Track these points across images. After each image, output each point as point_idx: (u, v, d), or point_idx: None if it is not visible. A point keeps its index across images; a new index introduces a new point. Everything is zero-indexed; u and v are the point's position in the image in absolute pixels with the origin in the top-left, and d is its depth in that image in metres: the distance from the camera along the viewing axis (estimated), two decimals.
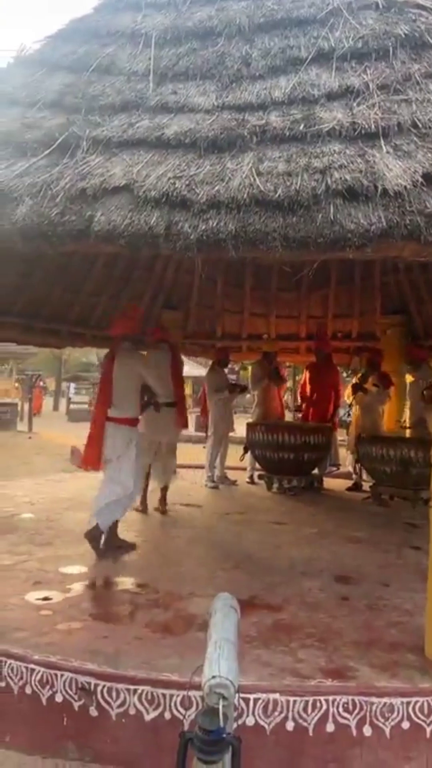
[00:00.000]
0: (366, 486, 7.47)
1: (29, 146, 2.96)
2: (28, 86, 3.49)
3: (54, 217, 2.56)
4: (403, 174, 2.36)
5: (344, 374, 12.67)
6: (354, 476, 7.96)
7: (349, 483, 7.95)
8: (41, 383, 26.44)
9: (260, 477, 7.87)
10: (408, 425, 7.52)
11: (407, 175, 2.36)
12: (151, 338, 5.96)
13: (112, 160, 2.78)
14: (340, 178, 2.39)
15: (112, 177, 2.64)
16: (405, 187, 2.31)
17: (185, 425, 6.07)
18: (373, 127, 2.62)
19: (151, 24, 3.70)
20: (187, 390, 26.92)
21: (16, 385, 25.00)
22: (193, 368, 20.69)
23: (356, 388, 7.39)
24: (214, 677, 1.62)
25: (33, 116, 3.20)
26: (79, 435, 16.38)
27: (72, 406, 25.81)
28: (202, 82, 3.25)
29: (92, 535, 4.39)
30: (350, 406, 8.42)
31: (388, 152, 2.51)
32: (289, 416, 11.49)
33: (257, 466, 7.89)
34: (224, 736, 1.57)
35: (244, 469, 8.09)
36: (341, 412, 13.05)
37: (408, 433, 7.41)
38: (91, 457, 4.58)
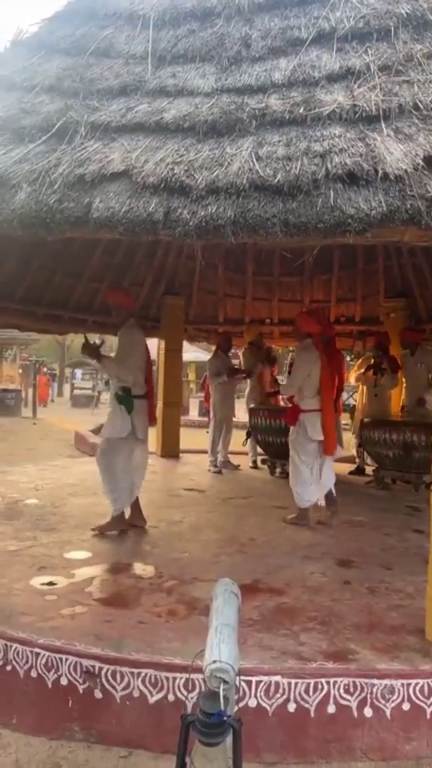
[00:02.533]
0: (369, 470, 7.50)
1: (27, 132, 2.93)
2: (26, 70, 3.45)
3: (52, 204, 2.55)
4: (404, 157, 2.34)
5: (348, 358, 12.64)
6: (357, 460, 7.99)
7: (352, 467, 7.98)
8: (44, 369, 26.23)
9: (263, 462, 7.91)
10: (404, 406, 7.53)
11: (408, 158, 2.33)
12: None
13: (111, 145, 2.76)
14: (341, 162, 2.36)
15: (111, 163, 2.63)
16: (406, 170, 2.29)
17: None
18: (374, 109, 2.59)
19: (149, 5, 3.64)
20: (191, 375, 27.02)
21: (20, 371, 25.00)
22: (197, 353, 20.73)
23: (371, 368, 7.28)
24: (214, 662, 1.63)
25: (31, 101, 3.17)
26: (82, 420, 16.46)
27: (76, 392, 25.89)
28: (201, 65, 3.21)
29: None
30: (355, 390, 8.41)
31: (388, 135, 2.48)
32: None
33: (260, 450, 7.92)
34: (225, 719, 1.59)
35: (247, 453, 8.12)
36: (344, 396, 13.06)
37: (403, 414, 7.44)
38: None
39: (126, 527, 4.66)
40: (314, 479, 5.04)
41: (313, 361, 5.02)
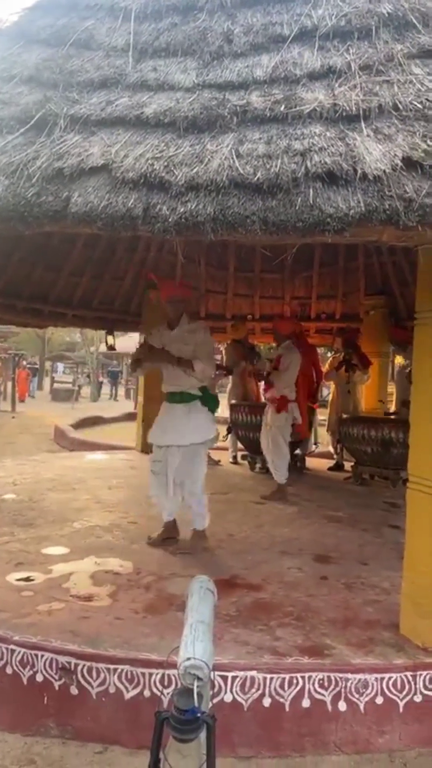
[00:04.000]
0: (348, 466, 7.57)
1: (5, 123, 2.87)
2: (4, 60, 3.39)
3: (30, 197, 2.51)
4: (383, 158, 2.34)
5: (328, 354, 12.73)
6: (335, 456, 8.06)
7: (331, 463, 8.05)
8: (24, 363, 25.77)
9: (243, 457, 7.94)
10: (393, 406, 7.62)
11: (387, 158, 2.34)
12: None
13: (90, 139, 2.72)
14: (320, 161, 2.36)
15: (90, 157, 2.59)
16: (384, 171, 2.29)
17: None
18: (354, 109, 2.58)
19: None
20: None
21: None
22: None
23: (342, 365, 7.44)
24: (188, 659, 1.65)
25: (9, 92, 3.11)
26: (62, 414, 16.31)
27: (56, 386, 25.70)
28: (183, 59, 3.18)
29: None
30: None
31: (368, 135, 2.48)
32: None
33: (240, 446, 7.95)
34: (199, 715, 1.60)
35: (227, 449, 8.14)
36: (325, 392, 13.17)
37: (393, 413, 7.52)
38: None
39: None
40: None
41: (298, 359, 5.95)
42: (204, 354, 4.17)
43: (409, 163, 2.34)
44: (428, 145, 2.38)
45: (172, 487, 4.21)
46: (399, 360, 8.09)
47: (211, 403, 4.32)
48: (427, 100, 2.59)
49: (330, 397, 9.02)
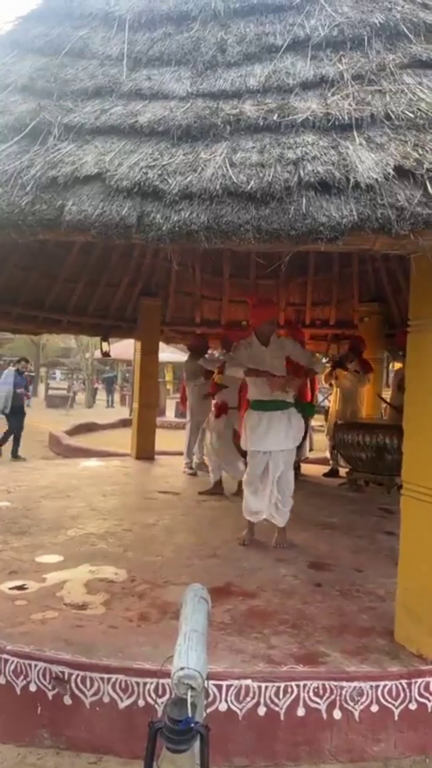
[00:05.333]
0: (342, 472, 7.57)
1: None
2: None
3: (24, 205, 2.51)
4: (375, 166, 2.36)
5: (323, 360, 12.76)
6: (331, 462, 8.07)
7: (326, 469, 8.06)
8: (24, 371, 25.12)
9: None
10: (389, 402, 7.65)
11: (379, 167, 2.36)
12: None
13: (84, 147, 2.73)
14: (313, 170, 2.38)
15: (84, 165, 2.60)
16: (377, 179, 2.31)
17: None
18: (346, 118, 2.60)
19: (125, 6, 3.61)
20: (168, 376, 26.91)
21: None
22: (174, 354, 20.68)
23: (335, 367, 7.51)
24: (182, 668, 1.64)
25: (3, 100, 3.12)
26: (57, 421, 16.25)
27: (50, 392, 25.62)
28: (177, 68, 3.20)
29: None
30: (330, 386, 8.53)
31: (360, 144, 2.50)
32: None
33: None
34: (192, 725, 1.60)
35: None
36: (320, 397, 13.18)
37: (389, 415, 7.55)
38: None
39: None
40: None
41: None
42: (308, 357, 4.85)
43: (401, 172, 2.36)
44: (420, 154, 2.40)
45: (270, 488, 4.54)
46: (397, 365, 8.11)
47: (307, 409, 4.87)
48: (418, 109, 2.62)
49: (328, 403, 9.03)
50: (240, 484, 5.86)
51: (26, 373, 21.21)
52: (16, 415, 10.32)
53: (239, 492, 5.75)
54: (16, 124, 2.89)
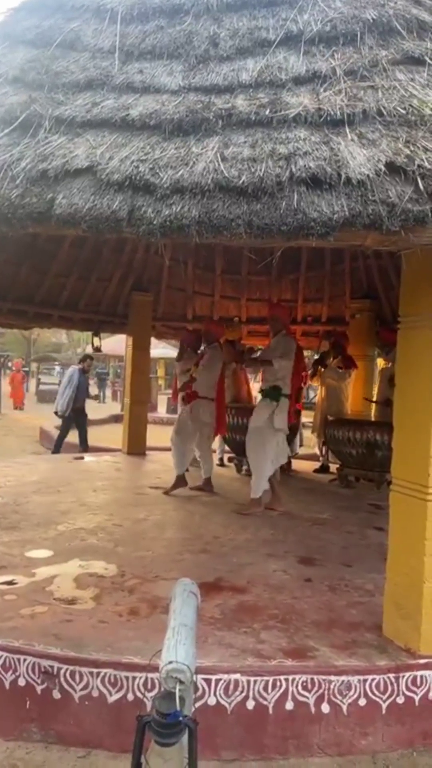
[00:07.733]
0: (333, 468, 7.61)
1: None
2: None
3: (14, 198, 2.49)
4: (367, 162, 2.36)
5: (314, 357, 12.81)
6: (321, 458, 8.10)
7: (317, 465, 8.09)
8: (16, 366, 24.18)
9: (230, 459, 7.95)
10: (374, 400, 7.70)
11: (371, 163, 2.36)
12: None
13: (75, 140, 2.72)
14: (305, 166, 2.37)
15: (75, 158, 2.58)
16: (368, 175, 2.31)
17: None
18: (338, 113, 2.60)
19: None
20: (160, 372, 26.84)
21: None
22: (167, 350, 20.67)
23: (316, 364, 7.60)
24: (170, 662, 1.64)
25: None
26: (48, 416, 16.28)
27: (41, 387, 25.52)
28: (169, 62, 3.18)
29: None
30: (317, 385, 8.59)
31: (352, 140, 2.49)
32: None
33: (227, 448, 7.95)
34: (180, 719, 1.60)
35: (214, 451, 8.13)
36: (311, 394, 13.22)
37: (373, 410, 7.60)
38: None
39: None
40: None
41: (220, 356, 6.64)
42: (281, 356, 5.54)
43: (393, 168, 2.35)
44: (411, 151, 2.40)
45: None
46: (381, 363, 8.15)
47: (273, 397, 5.55)
48: (410, 105, 2.61)
49: (316, 399, 9.06)
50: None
51: (16, 369, 20.35)
52: (80, 417, 9.86)
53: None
54: (6, 116, 2.86)
